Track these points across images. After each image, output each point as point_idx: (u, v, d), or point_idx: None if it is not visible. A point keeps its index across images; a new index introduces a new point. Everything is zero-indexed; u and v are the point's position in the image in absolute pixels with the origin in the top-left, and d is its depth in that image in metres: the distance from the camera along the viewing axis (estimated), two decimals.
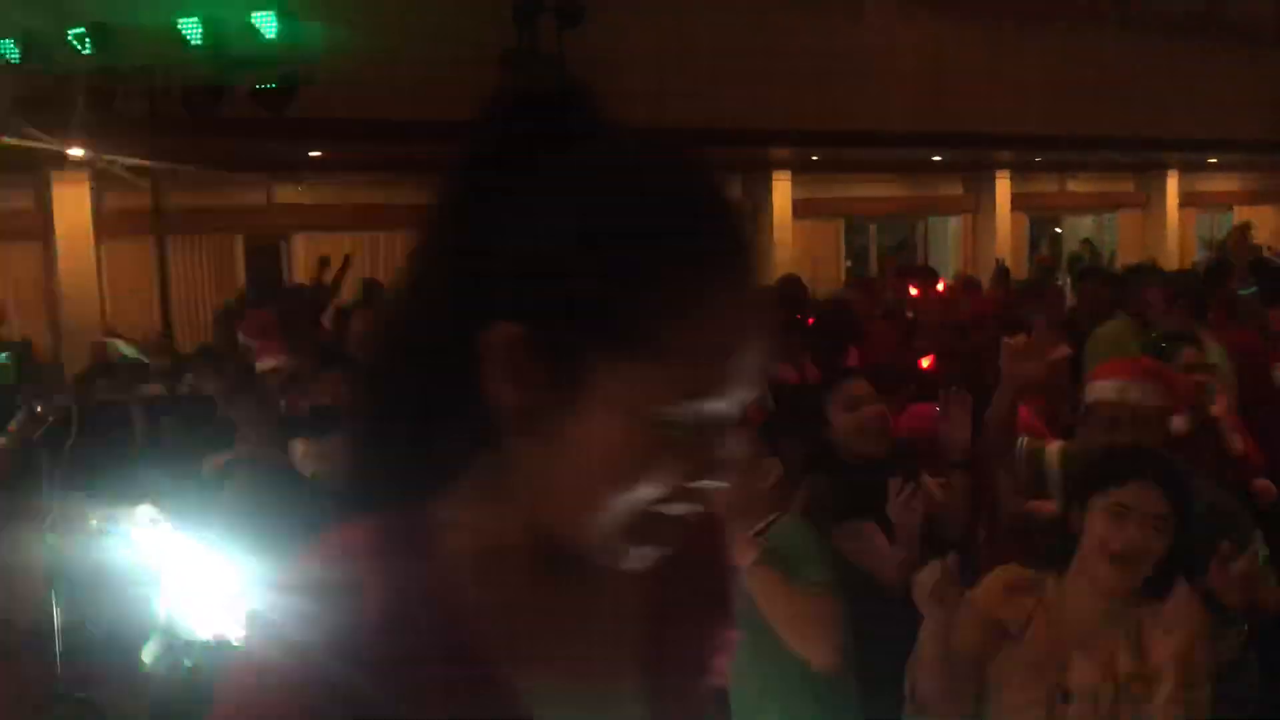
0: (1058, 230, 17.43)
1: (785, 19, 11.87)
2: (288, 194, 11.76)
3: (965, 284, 9.29)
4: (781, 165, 13.99)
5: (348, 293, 9.07)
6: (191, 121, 8.43)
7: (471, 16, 10.00)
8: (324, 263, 8.96)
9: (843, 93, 12.03)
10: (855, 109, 12.09)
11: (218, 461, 4.90)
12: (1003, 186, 15.77)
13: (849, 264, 14.84)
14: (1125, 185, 17.40)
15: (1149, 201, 17.39)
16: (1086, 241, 16.14)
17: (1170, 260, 15.32)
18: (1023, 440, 3.14)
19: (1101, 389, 2.87)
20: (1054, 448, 3.16)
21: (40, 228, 10.33)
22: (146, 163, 8.55)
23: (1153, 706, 2.11)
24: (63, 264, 10.30)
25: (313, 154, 10.86)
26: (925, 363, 4.69)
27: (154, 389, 8.66)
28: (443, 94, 9.91)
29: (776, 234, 14.18)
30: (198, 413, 6.59)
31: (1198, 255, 15.87)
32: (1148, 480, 2.19)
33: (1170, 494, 2.18)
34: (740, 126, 11.59)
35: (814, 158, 13.78)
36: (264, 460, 4.79)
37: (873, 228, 15.97)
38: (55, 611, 3.07)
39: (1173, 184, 17.24)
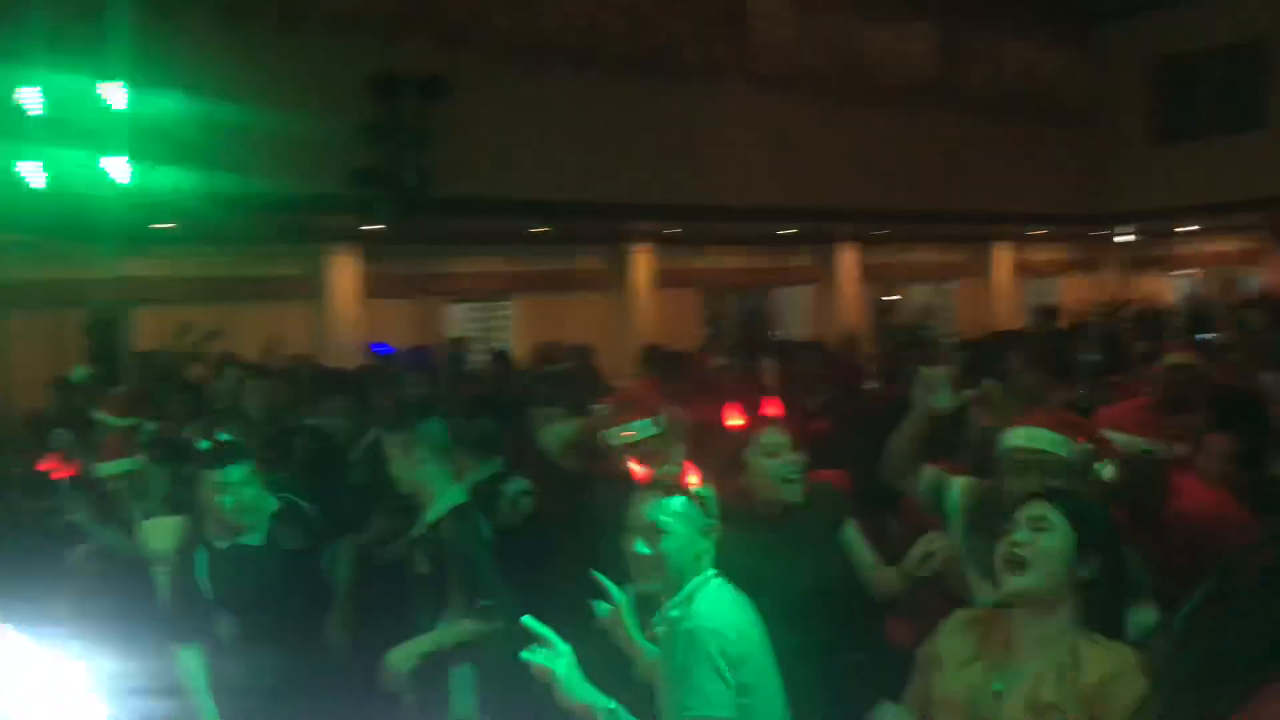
0: (887, 299, 18.18)
1: (644, 95, 12.15)
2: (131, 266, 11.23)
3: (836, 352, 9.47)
4: (643, 238, 14.21)
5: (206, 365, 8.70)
6: None
7: (330, 91, 9.87)
8: (184, 330, 8.49)
9: (698, 167, 12.35)
10: (710, 183, 12.42)
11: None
12: (849, 257, 16.41)
13: (709, 331, 15.13)
14: (962, 256, 18.34)
15: (984, 270, 18.37)
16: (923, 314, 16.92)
17: (1005, 324, 16.18)
18: (926, 468, 3.23)
19: (1018, 436, 2.97)
20: (960, 480, 3.24)
21: None
22: None
23: None
24: None
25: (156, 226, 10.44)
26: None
27: None
28: (300, 166, 9.79)
29: (639, 303, 14.35)
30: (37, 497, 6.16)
31: (1028, 318, 16.80)
32: (1048, 501, 2.36)
33: (1069, 514, 2.32)
34: (600, 200, 11.75)
35: (674, 230, 14.05)
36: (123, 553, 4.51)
37: (730, 297, 16.35)
38: None
39: (1003, 254, 18.27)
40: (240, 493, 3.71)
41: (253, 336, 11.90)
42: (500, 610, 3.27)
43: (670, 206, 12.40)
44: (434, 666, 3.44)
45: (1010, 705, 2.23)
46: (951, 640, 2.42)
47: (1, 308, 9.24)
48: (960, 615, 2.48)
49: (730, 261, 15.70)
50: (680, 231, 14.10)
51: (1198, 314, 11.98)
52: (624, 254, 14.27)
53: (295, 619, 3.78)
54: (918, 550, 3.09)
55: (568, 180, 11.34)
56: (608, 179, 11.64)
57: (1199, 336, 9.20)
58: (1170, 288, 18.90)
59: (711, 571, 2.52)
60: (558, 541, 4.06)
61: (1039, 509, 2.35)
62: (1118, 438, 3.15)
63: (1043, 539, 2.29)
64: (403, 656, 3.41)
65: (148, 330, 11.33)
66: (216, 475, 3.72)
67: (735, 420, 3.50)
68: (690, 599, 2.44)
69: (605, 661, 2.47)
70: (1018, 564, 2.29)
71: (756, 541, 3.13)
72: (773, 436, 3.33)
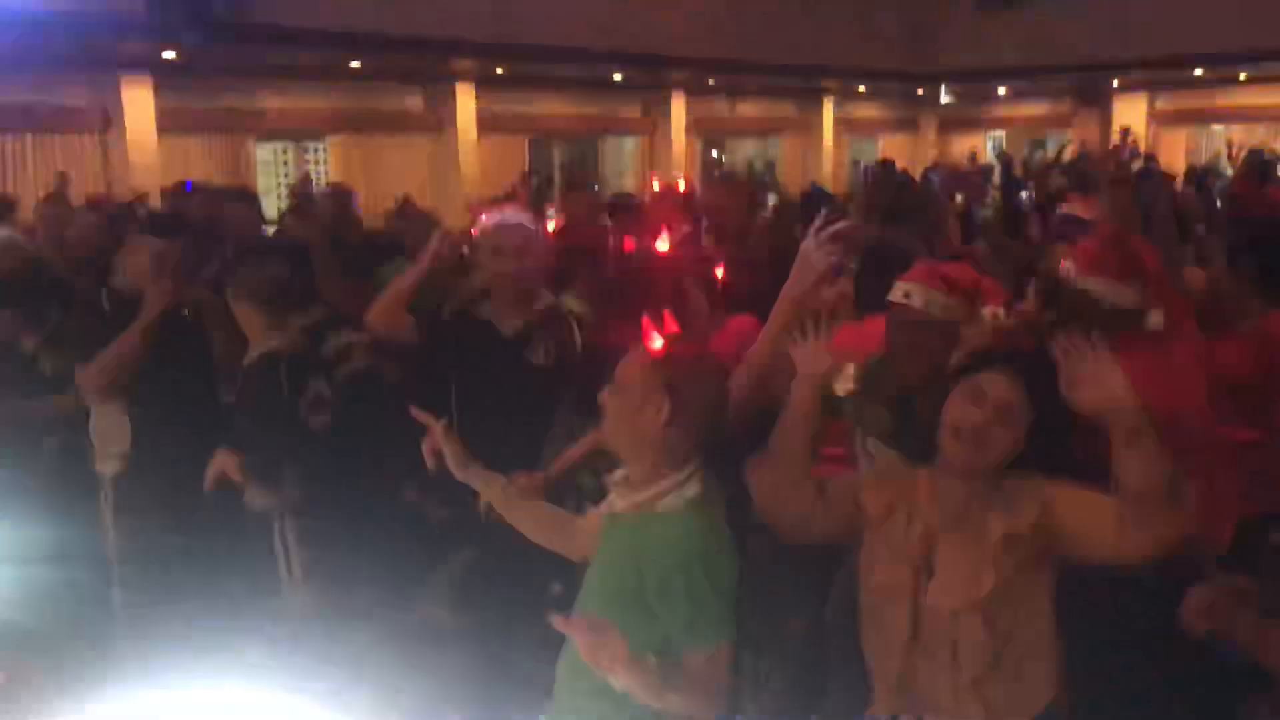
0: (714, 153, 18.17)
1: None
2: None
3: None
4: (465, 77, 13.59)
5: None
6: None
7: None
8: None
9: (526, 4, 11.78)
10: (537, 22, 11.88)
11: None
12: (678, 108, 16.20)
13: (533, 179, 14.77)
14: (788, 111, 18.40)
15: (809, 126, 18.52)
16: (752, 163, 17.00)
17: (827, 181, 16.44)
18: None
19: (902, 290, 2.80)
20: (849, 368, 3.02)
21: None
22: None
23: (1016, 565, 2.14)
24: None
25: None
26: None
27: None
28: None
29: (461, 149, 13.81)
30: None
31: (850, 178, 17.13)
32: (1004, 370, 2.20)
33: (1026, 388, 2.18)
34: (422, 34, 11.09)
35: (498, 71, 13.48)
36: None
37: (555, 146, 15.96)
38: None
39: (829, 110, 18.43)
40: None
41: (39, 171, 10.91)
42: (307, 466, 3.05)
43: (496, 45, 11.82)
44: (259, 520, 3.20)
45: (953, 547, 2.18)
46: (873, 492, 2.30)
47: None
48: (882, 464, 2.41)
49: (557, 107, 15.25)
50: (506, 73, 13.54)
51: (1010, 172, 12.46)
52: (447, 94, 13.64)
53: None
54: None
55: (388, 11, 10.61)
56: (431, 11, 10.94)
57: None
58: (983, 147, 19.57)
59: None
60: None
61: (1006, 394, 2.18)
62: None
63: (1003, 430, 2.16)
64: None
65: None
66: None
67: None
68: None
69: None
70: (972, 441, 2.15)
71: None
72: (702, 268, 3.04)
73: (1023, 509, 2.17)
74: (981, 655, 2.16)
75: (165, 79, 11.33)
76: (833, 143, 18.65)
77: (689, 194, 6.37)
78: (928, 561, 2.21)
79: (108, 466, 3.54)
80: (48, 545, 3.23)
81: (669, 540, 1.96)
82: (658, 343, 2.00)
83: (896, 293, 2.76)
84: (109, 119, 11.31)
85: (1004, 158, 15.10)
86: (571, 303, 3.41)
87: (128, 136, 11.27)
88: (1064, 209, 5.23)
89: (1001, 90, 18.86)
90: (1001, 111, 19.97)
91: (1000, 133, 20.47)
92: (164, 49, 10.44)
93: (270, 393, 3.13)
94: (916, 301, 2.72)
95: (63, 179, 10.34)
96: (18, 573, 3.07)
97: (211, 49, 10.08)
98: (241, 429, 3.16)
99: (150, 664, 2.91)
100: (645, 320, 2.04)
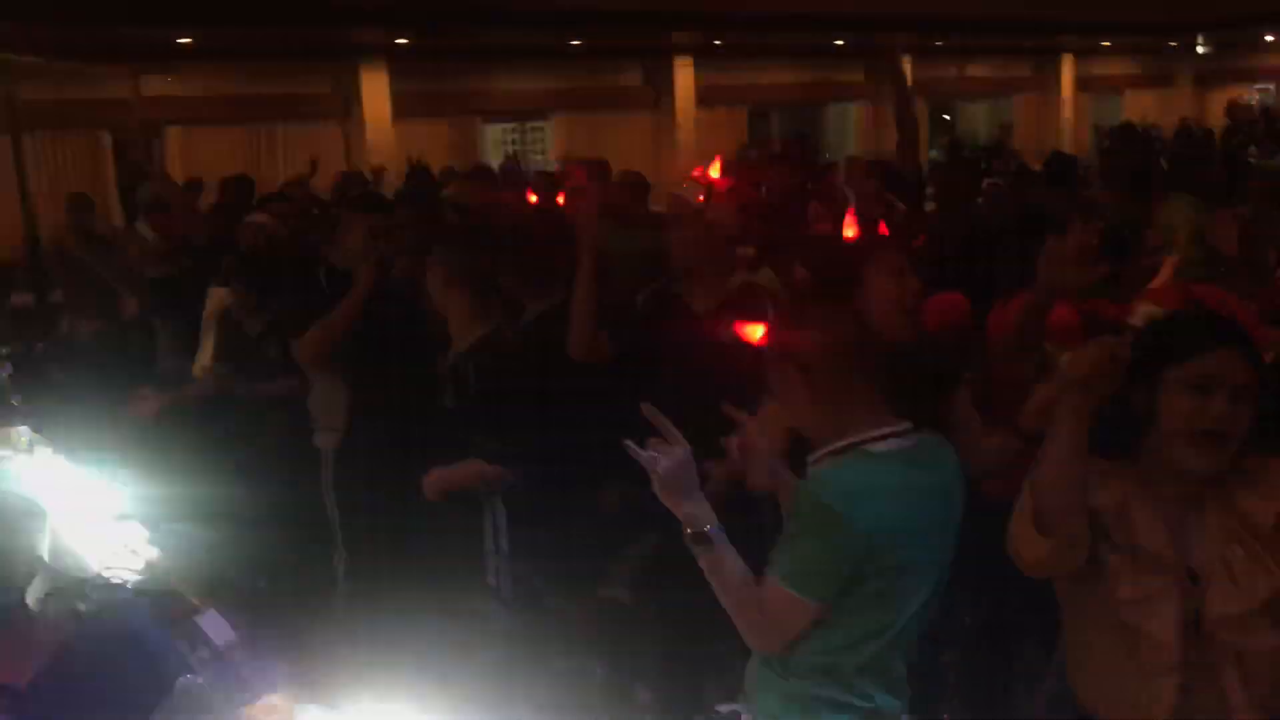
0: (945, 117, 17.38)
1: None
2: (156, 86, 10.90)
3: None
4: (683, 50, 13.56)
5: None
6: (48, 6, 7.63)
7: None
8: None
9: None
10: None
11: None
12: (903, 70, 15.59)
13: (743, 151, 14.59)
14: (1022, 70, 17.39)
15: (1045, 85, 17.45)
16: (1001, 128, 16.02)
17: (1066, 144, 15.44)
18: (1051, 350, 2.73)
19: (1143, 313, 2.51)
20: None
21: None
22: None
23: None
24: None
25: (181, 41, 10.04)
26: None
27: (21, 299, 8.01)
28: None
29: (680, 123, 13.81)
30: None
31: (1092, 139, 16.03)
32: (1232, 348, 1.91)
33: (1254, 362, 1.90)
34: (640, 8, 11.11)
35: (716, 43, 13.36)
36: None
37: (775, 116, 15.69)
38: None
39: (1068, 68, 17.30)
40: None
41: (288, 159, 11.66)
42: (525, 448, 3.03)
43: (714, 15, 11.71)
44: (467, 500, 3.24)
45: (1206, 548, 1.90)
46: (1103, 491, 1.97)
47: (26, 130, 8.97)
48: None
49: (776, 77, 14.98)
50: (724, 44, 13.40)
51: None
52: (665, 69, 13.65)
53: None
54: (1034, 403, 2.60)
55: None
56: None
57: None
58: (1248, 101, 17.87)
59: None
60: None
61: (1241, 374, 1.89)
62: None
63: (1244, 414, 1.88)
64: (434, 484, 3.23)
65: (177, 151, 11.10)
66: None
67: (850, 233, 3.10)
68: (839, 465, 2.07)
69: None
70: (1216, 436, 1.88)
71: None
72: (894, 256, 2.76)
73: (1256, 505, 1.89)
74: (1274, 668, 1.86)
75: (399, 65, 11.86)
76: (1072, 102, 17.49)
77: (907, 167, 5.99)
78: (1187, 566, 1.91)
79: (326, 440, 3.69)
80: (276, 514, 3.42)
81: (808, 488, 2.03)
82: (758, 333, 1.98)
83: (1136, 314, 2.48)
84: (349, 106, 11.95)
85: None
86: (767, 279, 3.27)
87: (366, 122, 11.88)
88: None
89: (1270, 37, 17.13)
90: (1272, 60, 18.15)
91: (1270, 84, 18.65)
92: (398, 36, 10.90)
93: (499, 375, 3.14)
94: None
95: (313, 166, 10.91)
96: (250, 539, 3.24)
97: (441, 33, 10.46)
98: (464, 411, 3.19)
99: (369, 629, 3.02)
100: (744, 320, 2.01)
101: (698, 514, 2.00)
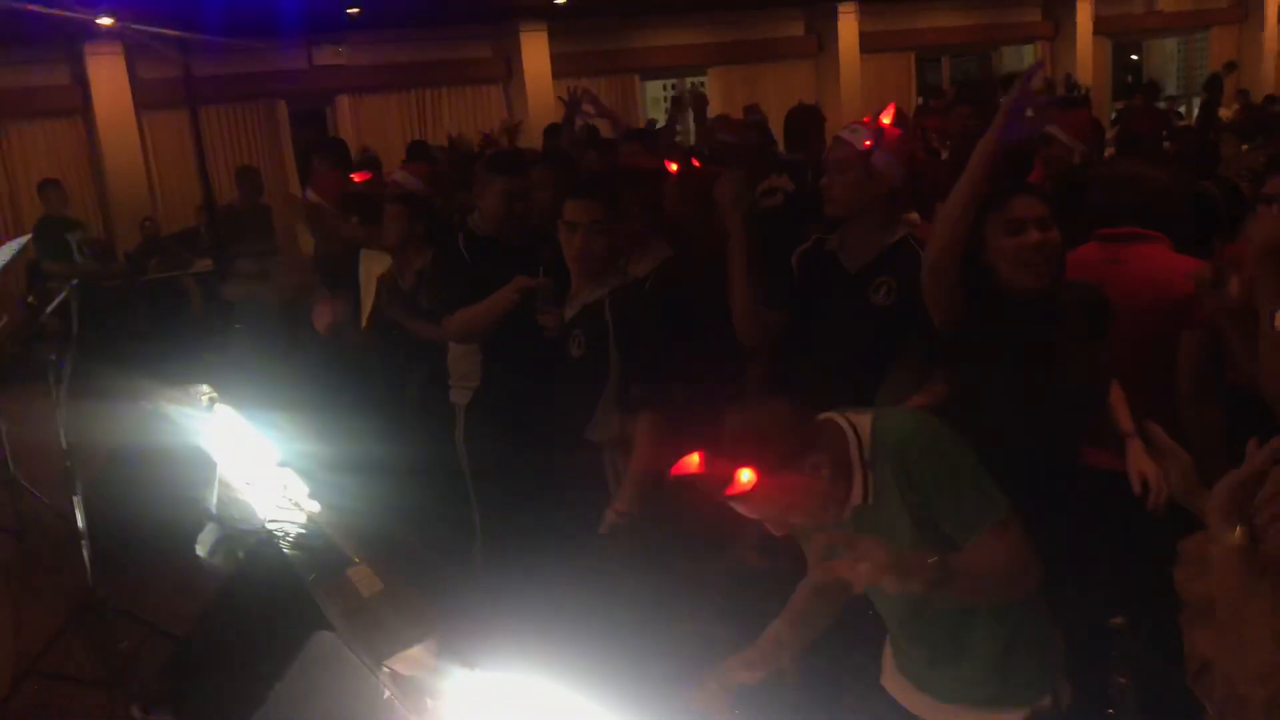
0: (1133, 57, 16.25)
1: None
2: (327, 56, 11.28)
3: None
4: None
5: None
6: None
7: None
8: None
9: None
10: None
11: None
12: (1084, 8, 14.69)
13: (921, 101, 14.03)
14: (1218, 0, 16.12)
15: (1244, 16, 16.11)
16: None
17: (1267, 82, 14.25)
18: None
19: None
20: None
21: (79, 104, 10.02)
22: (176, 32, 8.12)
23: None
24: (104, 139, 10.02)
25: (351, 11, 10.34)
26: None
27: (205, 263, 8.48)
28: None
29: (843, 71, 13.41)
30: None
31: None
32: None
33: None
34: None
35: None
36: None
37: (945, 61, 15.05)
38: (77, 501, 2.81)
39: None
40: None
41: (452, 122, 11.91)
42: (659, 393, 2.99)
43: None
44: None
45: None
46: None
47: (202, 102, 9.45)
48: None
49: (944, 19, 14.34)
50: None
51: None
52: (828, 16, 13.26)
53: None
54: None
55: None
56: None
57: None
58: None
59: None
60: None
61: None
62: None
63: None
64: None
65: (347, 118, 11.47)
66: None
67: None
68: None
69: None
70: None
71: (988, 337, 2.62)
72: (1023, 204, 2.57)
73: None
74: None
75: (557, 26, 11.90)
76: (1276, 33, 16.08)
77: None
78: None
79: (459, 396, 3.74)
80: (421, 470, 3.48)
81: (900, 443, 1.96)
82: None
83: None
84: (510, 68, 12.09)
85: None
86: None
87: (527, 83, 12.00)
88: None
89: None
90: None
91: None
92: None
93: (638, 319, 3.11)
94: None
95: (515, 127, 10.57)
96: (400, 493, 3.31)
97: None
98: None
99: (504, 587, 3.05)
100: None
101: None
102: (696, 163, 3.96)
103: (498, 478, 3.54)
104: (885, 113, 3.12)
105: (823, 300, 3.01)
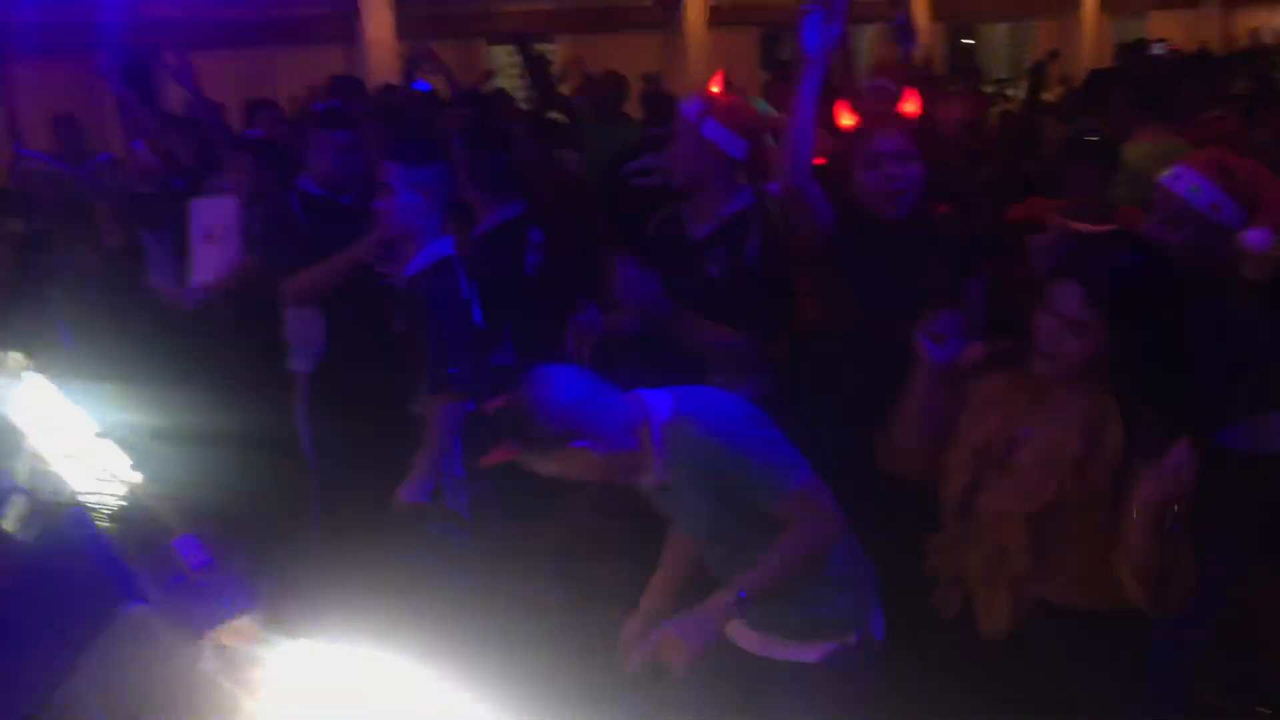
0: (966, 41, 16.90)
1: None
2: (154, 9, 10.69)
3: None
4: None
5: None
6: None
7: None
8: None
9: None
10: None
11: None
12: None
13: (766, 78, 14.26)
14: None
15: (1066, 5, 16.97)
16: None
17: (1085, 71, 15.05)
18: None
19: (1140, 153, 2.51)
20: None
21: None
22: None
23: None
24: None
25: None
26: None
27: (15, 223, 7.92)
28: None
29: (691, 43, 13.51)
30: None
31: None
32: (1075, 280, 2.01)
33: (1099, 298, 1.99)
34: None
35: None
36: None
37: (789, 38, 15.32)
38: None
39: None
40: None
41: (287, 84, 11.43)
42: (468, 380, 2.94)
43: None
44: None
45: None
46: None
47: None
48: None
49: None
50: None
51: None
52: None
53: None
54: None
55: None
56: None
57: None
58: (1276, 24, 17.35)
59: None
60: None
61: (1076, 307, 2.02)
62: None
63: (1075, 342, 2.03)
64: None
65: None
66: None
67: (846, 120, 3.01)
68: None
69: None
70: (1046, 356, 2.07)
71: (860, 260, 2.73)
72: (883, 139, 2.78)
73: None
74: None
75: None
76: (1094, 24, 17.00)
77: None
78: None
79: (300, 364, 3.63)
80: (253, 439, 3.36)
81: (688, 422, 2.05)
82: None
83: (1168, 171, 2.39)
84: (350, 28, 11.71)
85: None
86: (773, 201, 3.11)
87: (369, 46, 11.65)
88: None
89: None
90: None
91: None
92: None
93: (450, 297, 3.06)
94: (1180, 187, 2.34)
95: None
96: (229, 463, 3.19)
97: None
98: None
99: (339, 545, 2.98)
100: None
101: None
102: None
103: (337, 446, 3.45)
104: (713, 82, 3.18)
105: (666, 270, 3.03)
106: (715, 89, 3.19)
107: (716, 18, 13.66)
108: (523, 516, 2.60)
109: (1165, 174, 2.44)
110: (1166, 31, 16.34)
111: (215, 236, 4.05)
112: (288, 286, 3.47)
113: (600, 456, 1.98)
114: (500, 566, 2.23)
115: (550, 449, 1.94)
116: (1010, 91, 12.52)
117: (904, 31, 6.68)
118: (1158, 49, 11.95)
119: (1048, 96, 10.29)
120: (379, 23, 11.66)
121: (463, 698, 1.60)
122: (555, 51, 13.72)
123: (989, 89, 11.20)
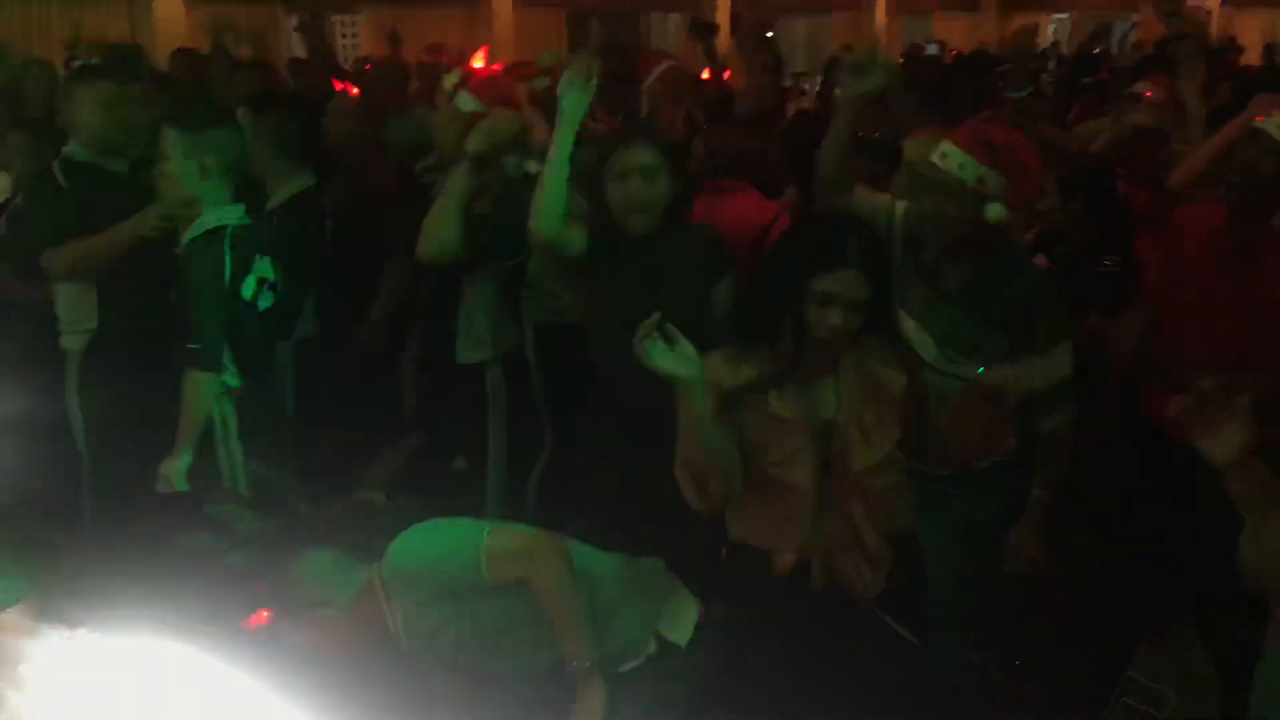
0: (768, 34, 17.40)
1: None
2: None
3: None
4: None
5: None
6: None
7: None
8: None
9: None
10: None
11: None
12: None
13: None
14: None
15: (860, 4, 17.73)
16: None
17: None
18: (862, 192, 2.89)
19: (918, 149, 2.71)
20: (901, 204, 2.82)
21: None
22: None
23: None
24: None
25: None
26: None
27: None
28: None
29: (497, 24, 13.39)
30: None
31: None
32: (851, 267, 2.19)
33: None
34: None
35: None
36: None
37: (594, 22, 15.41)
38: None
39: None
40: None
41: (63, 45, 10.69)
42: (214, 356, 2.90)
43: None
44: None
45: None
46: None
47: None
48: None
49: None
50: None
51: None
52: None
53: None
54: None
55: None
56: None
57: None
58: (1045, 30, 18.64)
59: None
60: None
61: (858, 291, 2.25)
62: None
63: (855, 323, 2.26)
64: None
65: None
66: None
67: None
68: None
69: None
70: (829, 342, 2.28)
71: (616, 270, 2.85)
72: (628, 155, 2.87)
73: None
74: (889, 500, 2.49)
75: None
76: (886, 24, 17.85)
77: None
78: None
79: (72, 342, 3.43)
80: (19, 424, 3.16)
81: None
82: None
83: (935, 152, 2.56)
84: None
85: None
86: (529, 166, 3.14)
87: (155, 9, 11.02)
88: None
89: None
90: None
91: (1064, 15, 19.47)
92: None
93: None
94: (950, 164, 2.51)
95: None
96: None
97: None
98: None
99: (115, 532, 2.87)
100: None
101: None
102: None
103: (115, 428, 3.29)
104: (475, 56, 3.30)
105: None
106: (478, 63, 3.31)
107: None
108: (309, 495, 2.57)
109: (934, 153, 2.61)
110: (948, 33, 17.34)
111: None
112: (52, 260, 3.27)
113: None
114: (284, 546, 2.20)
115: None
116: (807, 86, 13.02)
117: (703, 29, 6.89)
118: (931, 49, 12.72)
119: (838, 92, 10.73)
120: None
121: (242, 686, 1.58)
122: (359, 24, 13.36)
123: (788, 83, 11.62)
